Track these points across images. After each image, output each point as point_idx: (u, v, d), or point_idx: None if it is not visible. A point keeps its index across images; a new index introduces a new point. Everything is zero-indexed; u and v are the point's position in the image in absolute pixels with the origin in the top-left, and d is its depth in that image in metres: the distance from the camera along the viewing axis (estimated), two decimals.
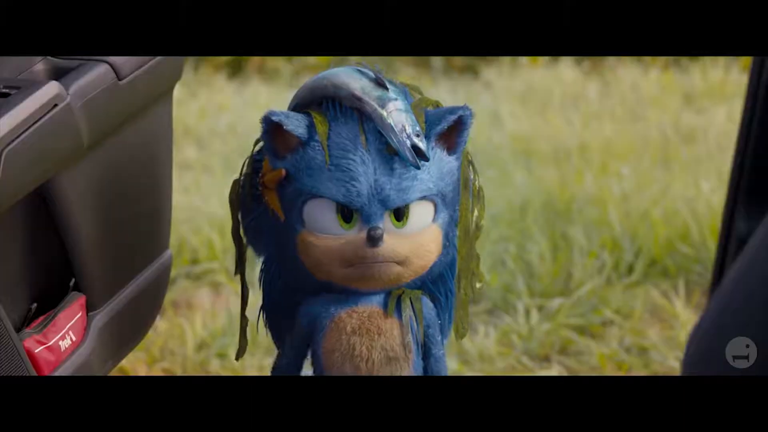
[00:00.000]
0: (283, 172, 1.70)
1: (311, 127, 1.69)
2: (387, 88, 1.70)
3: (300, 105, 1.74)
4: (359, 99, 1.69)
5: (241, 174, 1.79)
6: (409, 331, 1.73)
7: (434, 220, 1.72)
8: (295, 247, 1.72)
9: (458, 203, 1.76)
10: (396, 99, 1.69)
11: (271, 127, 1.69)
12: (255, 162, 1.77)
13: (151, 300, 2.13)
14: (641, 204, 3.62)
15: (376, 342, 1.72)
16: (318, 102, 1.72)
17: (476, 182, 1.79)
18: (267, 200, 1.74)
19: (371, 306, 1.73)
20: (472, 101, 1.78)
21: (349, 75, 1.71)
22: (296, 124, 1.69)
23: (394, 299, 1.73)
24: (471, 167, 1.78)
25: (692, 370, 1.16)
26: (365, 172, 1.67)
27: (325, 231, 1.69)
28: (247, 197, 1.77)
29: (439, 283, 1.79)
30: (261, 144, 1.75)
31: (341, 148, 1.68)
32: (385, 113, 1.68)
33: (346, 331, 1.73)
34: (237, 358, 1.85)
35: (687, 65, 5.31)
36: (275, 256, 1.80)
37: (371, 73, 1.71)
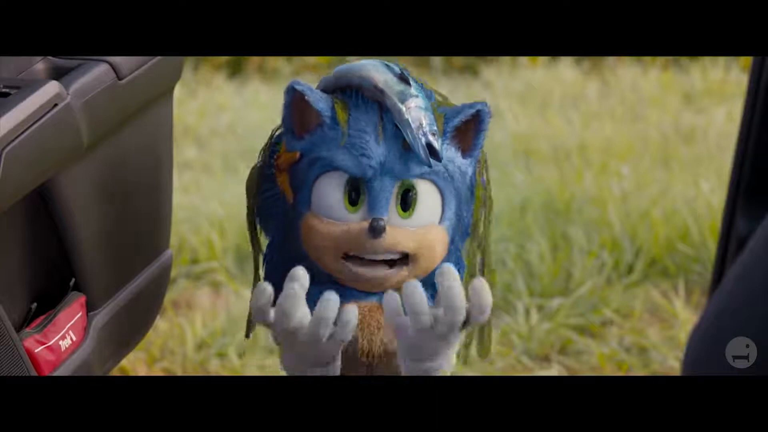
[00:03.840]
0: (298, 155, 1.71)
1: (332, 110, 1.70)
2: (410, 84, 1.71)
3: (324, 90, 1.76)
4: (381, 92, 1.70)
5: (258, 160, 1.79)
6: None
7: (441, 221, 1.73)
8: (299, 235, 1.72)
9: (466, 208, 1.76)
10: (417, 96, 1.70)
11: (294, 98, 1.70)
12: (273, 145, 1.78)
13: (151, 300, 2.13)
14: (641, 204, 3.62)
15: (376, 336, 1.73)
16: (341, 89, 1.73)
17: (489, 191, 1.80)
18: (279, 181, 1.75)
19: (371, 301, 1.74)
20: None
21: (376, 68, 1.73)
22: (317, 98, 1.70)
23: None
24: (485, 173, 1.79)
25: (692, 370, 1.16)
26: (377, 151, 1.68)
27: (329, 214, 1.70)
28: (262, 180, 1.78)
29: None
30: (280, 131, 1.76)
31: (358, 129, 1.69)
32: (404, 108, 1.69)
33: None
34: (247, 336, 1.85)
35: (687, 65, 5.30)
36: (280, 244, 1.80)
37: (397, 69, 1.73)
